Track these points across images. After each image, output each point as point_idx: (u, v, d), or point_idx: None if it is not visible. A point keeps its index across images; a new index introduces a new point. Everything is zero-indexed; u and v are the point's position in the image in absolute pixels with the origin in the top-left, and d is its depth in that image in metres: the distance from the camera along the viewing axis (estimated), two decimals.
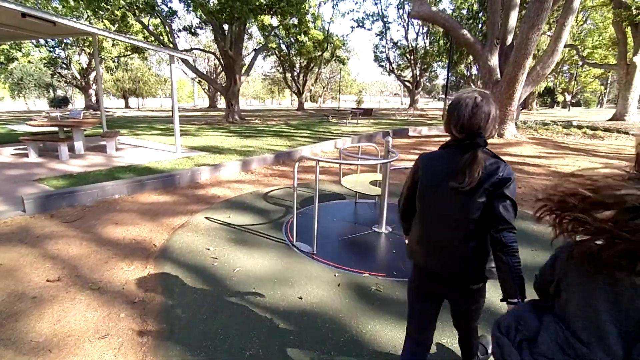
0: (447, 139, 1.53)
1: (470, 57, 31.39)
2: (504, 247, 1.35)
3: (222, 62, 18.67)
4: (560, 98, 49.00)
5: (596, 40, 29.06)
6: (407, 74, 39.03)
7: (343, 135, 12.58)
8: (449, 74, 15.74)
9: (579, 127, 14.77)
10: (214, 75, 37.51)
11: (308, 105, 54.01)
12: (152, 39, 18.55)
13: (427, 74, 39.15)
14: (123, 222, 4.33)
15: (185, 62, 18.29)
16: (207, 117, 21.85)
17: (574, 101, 47.05)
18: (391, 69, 37.70)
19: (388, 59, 36.75)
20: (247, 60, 20.05)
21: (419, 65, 35.19)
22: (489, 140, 1.42)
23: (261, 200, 5.28)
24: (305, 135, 12.32)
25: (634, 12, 17.96)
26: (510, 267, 1.34)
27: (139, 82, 40.98)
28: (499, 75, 11.03)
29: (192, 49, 24.82)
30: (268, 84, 56.58)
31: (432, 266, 1.55)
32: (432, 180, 1.49)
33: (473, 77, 36.02)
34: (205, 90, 41.45)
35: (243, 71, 18.76)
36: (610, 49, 28.15)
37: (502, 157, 1.47)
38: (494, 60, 11.07)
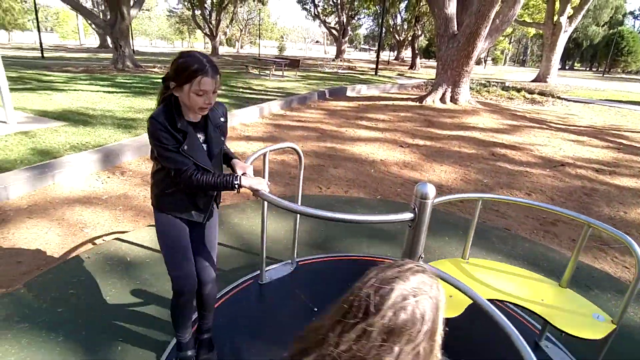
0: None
1: (401, 5, 29.58)
2: None
3: None
4: None
5: None
6: (332, 20, 36.07)
7: (267, 93, 9.98)
8: (383, 20, 13.72)
9: (517, 90, 14.07)
10: (103, 7, 30.32)
11: (224, 50, 48.13)
12: None
13: (354, 21, 36.63)
14: None
15: None
16: (91, 62, 17.13)
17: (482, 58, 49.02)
18: (316, 13, 34.41)
19: (313, 1, 33.30)
20: None
21: (346, 11, 32.41)
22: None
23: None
24: (219, 94, 9.46)
25: None
26: None
27: None
28: (456, 28, 9.24)
29: None
30: (175, 22, 48.74)
31: None
32: None
33: (397, 28, 34.49)
34: (94, 26, 33.80)
35: (133, 3, 14.41)
36: (524, 9, 28.43)
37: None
38: (452, 8, 9.19)
